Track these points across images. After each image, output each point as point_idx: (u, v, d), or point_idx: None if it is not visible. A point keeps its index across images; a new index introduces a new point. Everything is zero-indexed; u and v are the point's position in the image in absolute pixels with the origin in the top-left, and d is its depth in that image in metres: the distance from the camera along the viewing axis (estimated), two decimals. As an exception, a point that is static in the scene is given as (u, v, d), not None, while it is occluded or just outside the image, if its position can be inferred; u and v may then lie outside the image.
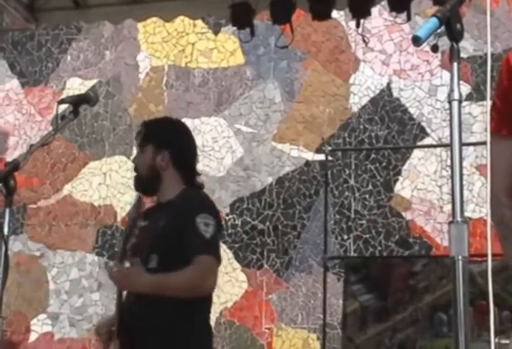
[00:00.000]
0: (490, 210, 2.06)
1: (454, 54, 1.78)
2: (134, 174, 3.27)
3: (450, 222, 1.76)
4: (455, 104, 1.81)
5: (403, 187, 6.78)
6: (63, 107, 2.86)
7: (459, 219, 1.75)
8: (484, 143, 2.10)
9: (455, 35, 1.76)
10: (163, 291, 2.95)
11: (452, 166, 1.77)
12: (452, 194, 1.81)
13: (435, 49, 1.76)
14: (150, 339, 2.98)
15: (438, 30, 1.75)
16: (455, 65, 1.80)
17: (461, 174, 1.78)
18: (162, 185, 3.22)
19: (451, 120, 1.81)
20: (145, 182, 3.23)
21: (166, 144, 3.24)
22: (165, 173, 3.21)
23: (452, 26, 1.75)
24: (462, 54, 7.16)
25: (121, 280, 2.97)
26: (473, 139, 6.40)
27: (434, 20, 1.71)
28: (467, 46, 6.84)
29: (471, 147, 6.42)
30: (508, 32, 7.08)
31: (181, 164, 3.23)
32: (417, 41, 1.70)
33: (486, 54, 7.03)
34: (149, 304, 2.99)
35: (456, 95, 1.81)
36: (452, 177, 1.79)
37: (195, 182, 3.25)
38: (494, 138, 2.09)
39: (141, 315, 3.01)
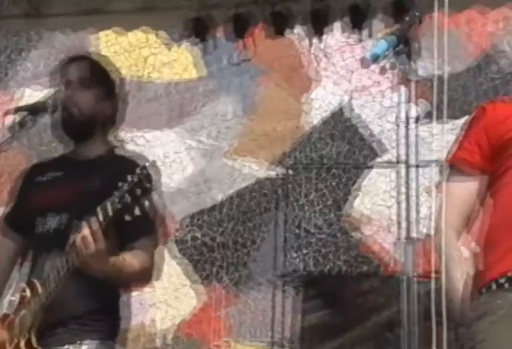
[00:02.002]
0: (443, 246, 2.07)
1: (408, 74, 1.79)
2: (67, 111, 2.84)
3: (399, 242, 1.76)
4: (407, 124, 1.82)
5: (354, 206, 6.80)
6: (19, 114, 2.78)
7: (408, 238, 1.76)
8: (438, 163, 2.11)
9: (412, 55, 1.77)
10: (119, 277, 2.71)
11: (405, 186, 1.77)
12: (402, 214, 1.81)
13: (385, 70, 1.76)
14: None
15: (396, 49, 1.75)
16: (409, 85, 1.80)
17: (409, 195, 1.78)
18: (92, 136, 2.92)
19: (404, 140, 1.82)
20: (85, 125, 2.87)
21: (113, 93, 2.98)
22: (100, 124, 2.92)
23: (409, 45, 1.76)
24: (422, 73, 7.22)
25: (90, 256, 2.51)
26: (430, 159, 6.46)
27: (392, 39, 1.72)
28: (427, 65, 6.90)
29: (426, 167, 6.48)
30: (466, 52, 7.17)
31: (114, 120, 2.97)
32: (374, 59, 1.70)
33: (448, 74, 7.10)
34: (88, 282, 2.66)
35: (408, 115, 1.81)
36: (405, 196, 1.79)
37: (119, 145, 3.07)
38: (460, 173, 2.09)
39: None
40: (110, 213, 2.46)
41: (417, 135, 1.82)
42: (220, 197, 6.95)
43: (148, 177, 2.48)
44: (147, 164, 2.55)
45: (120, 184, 2.44)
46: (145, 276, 2.83)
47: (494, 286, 2.04)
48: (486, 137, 2.16)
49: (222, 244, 6.81)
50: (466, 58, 7.12)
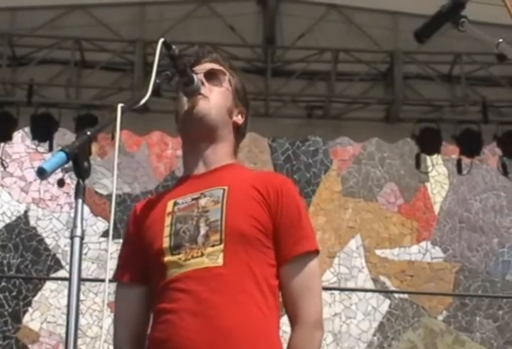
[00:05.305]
0: None
1: (79, 191, 1.79)
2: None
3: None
4: (77, 240, 1.81)
5: (32, 319, 6.70)
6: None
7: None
8: (101, 280, 2.12)
9: (82, 173, 1.78)
10: None
11: (76, 303, 1.74)
12: (66, 330, 1.77)
13: (61, 183, 1.76)
14: None
15: (66, 165, 1.76)
16: (80, 201, 1.80)
17: (77, 310, 1.76)
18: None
19: (71, 256, 1.80)
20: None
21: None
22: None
23: (79, 163, 1.77)
24: (102, 191, 7.46)
25: None
26: (108, 276, 6.52)
27: (62, 155, 1.72)
28: (108, 184, 7.06)
29: (105, 284, 6.51)
30: (146, 175, 7.45)
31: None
32: (42, 173, 1.68)
33: (125, 194, 7.37)
34: None
35: (78, 232, 1.80)
36: (68, 313, 1.75)
37: None
38: (118, 286, 2.16)
39: None
40: None
41: (82, 253, 1.81)
42: None
43: None
44: None
45: None
46: None
47: None
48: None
49: None
50: (157, 178, 7.37)
